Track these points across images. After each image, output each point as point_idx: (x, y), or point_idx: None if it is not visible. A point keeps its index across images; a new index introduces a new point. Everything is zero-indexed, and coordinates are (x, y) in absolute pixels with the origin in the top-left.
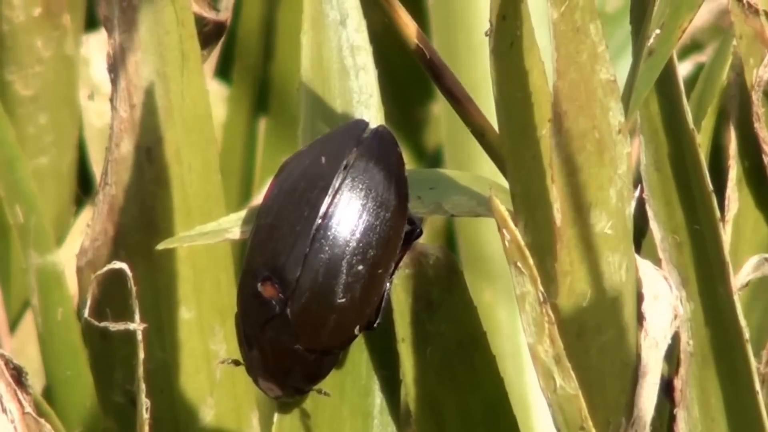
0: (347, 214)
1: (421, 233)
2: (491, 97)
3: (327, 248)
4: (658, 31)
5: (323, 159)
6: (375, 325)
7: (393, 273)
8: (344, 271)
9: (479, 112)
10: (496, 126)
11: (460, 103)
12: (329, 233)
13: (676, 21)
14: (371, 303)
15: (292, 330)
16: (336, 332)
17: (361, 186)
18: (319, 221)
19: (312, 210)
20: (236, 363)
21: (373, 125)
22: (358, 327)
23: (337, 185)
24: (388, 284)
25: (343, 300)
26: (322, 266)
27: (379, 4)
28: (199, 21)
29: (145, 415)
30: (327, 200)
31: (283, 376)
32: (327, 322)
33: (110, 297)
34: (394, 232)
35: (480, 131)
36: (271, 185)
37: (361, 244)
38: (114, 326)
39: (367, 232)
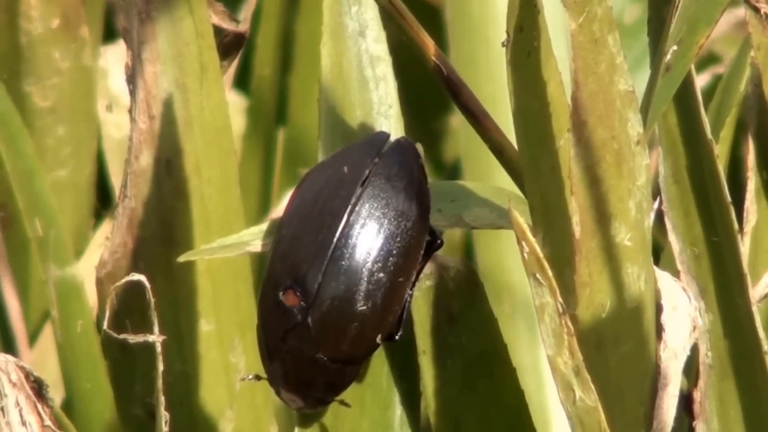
0: (368, 224)
1: (441, 244)
2: (509, 111)
3: (348, 257)
4: (675, 47)
5: (345, 169)
6: (397, 337)
7: (414, 284)
8: (365, 279)
9: (497, 129)
10: (514, 142)
11: (478, 120)
12: (350, 242)
13: (693, 37)
14: (392, 311)
15: (313, 338)
16: (357, 340)
17: (382, 196)
18: (341, 230)
19: (334, 219)
20: (257, 378)
21: (393, 137)
22: (379, 336)
23: (358, 195)
24: (409, 296)
25: (364, 308)
26: (342, 275)
27: (397, 22)
28: (218, 32)
29: (165, 428)
30: (348, 209)
31: (305, 387)
32: (348, 330)
33: (130, 309)
34: (415, 241)
35: (498, 148)
36: (292, 196)
37: (381, 254)
38: (133, 338)
39: (388, 241)
